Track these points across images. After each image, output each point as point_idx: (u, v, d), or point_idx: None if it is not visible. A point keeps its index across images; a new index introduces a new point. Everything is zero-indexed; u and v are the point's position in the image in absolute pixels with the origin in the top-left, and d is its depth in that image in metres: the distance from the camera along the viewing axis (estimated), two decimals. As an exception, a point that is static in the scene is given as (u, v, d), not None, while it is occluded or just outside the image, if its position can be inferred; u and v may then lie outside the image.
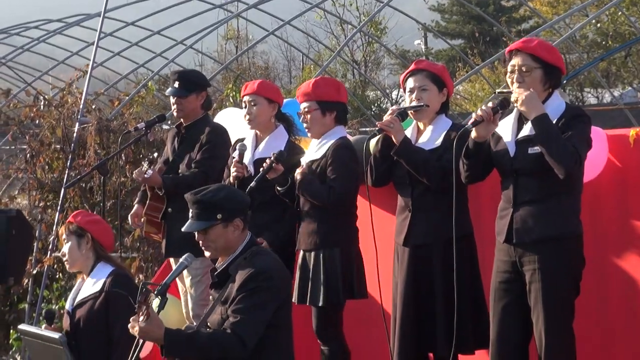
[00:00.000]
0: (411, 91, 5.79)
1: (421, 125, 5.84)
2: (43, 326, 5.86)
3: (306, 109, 6.16)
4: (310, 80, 6.36)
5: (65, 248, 6.02)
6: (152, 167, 6.81)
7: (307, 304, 6.04)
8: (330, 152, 6.06)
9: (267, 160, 6.12)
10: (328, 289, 5.97)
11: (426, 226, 5.67)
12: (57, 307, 9.86)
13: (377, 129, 5.73)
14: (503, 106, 5.26)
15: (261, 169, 6.15)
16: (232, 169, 6.37)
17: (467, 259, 5.64)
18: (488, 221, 5.59)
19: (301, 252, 6.18)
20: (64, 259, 6.05)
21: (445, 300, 5.52)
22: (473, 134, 5.28)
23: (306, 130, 6.24)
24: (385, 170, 5.82)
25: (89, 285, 5.94)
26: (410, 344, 5.68)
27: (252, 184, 6.07)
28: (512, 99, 5.18)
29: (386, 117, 5.71)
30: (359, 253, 6.12)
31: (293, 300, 6.01)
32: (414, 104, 5.73)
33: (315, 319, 6.09)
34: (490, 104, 5.29)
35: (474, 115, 5.29)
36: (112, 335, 5.72)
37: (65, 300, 9.36)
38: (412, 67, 5.87)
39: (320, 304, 6.00)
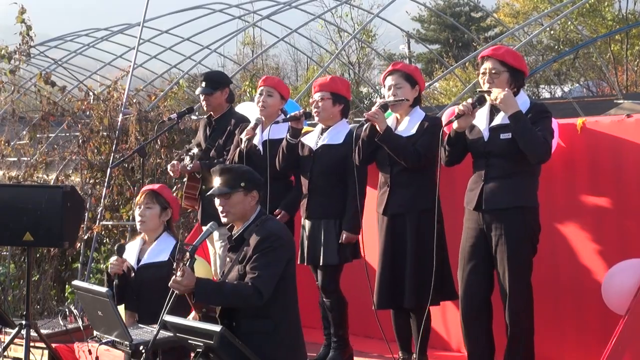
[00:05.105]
0: (389, 88, 5.77)
1: (399, 116, 5.83)
2: (113, 258, 5.81)
3: (320, 97, 6.09)
4: (328, 76, 6.34)
5: (148, 212, 5.91)
6: (192, 161, 6.85)
7: (321, 264, 5.99)
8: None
9: (297, 112, 6.09)
10: (340, 251, 5.97)
11: (402, 199, 5.66)
12: (104, 266, 9.87)
13: (364, 119, 5.71)
14: (480, 102, 5.24)
15: (290, 115, 6.15)
16: (244, 135, 6.45)
17: (435, 226, 5.60)
18: (459, 195, 5.57)
19: (310, 221, 6.10)
20: (142, 218, 5.92)
21: (416, 260, 5.53)
22: (455, 125, 5.26)
23: (315, 115, 6.16)
24: (370, 153, 5.78)
25: (155, 252, 5.90)
26: (386, 297, 5.71)
27: (280, 120, 6.30)
28: (492, 96, 5.13)
29: (372, 110, 5.68)
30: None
31: (302, 262, 6.03)
32: (391, 99, 5.71)
33: (323, 276, 6.05)
34: (470, 100, 5.26)
35: (456, 109, 5.25)
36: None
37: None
38: (390, 68, 5.86)
39: (335, 262, 5.98)
